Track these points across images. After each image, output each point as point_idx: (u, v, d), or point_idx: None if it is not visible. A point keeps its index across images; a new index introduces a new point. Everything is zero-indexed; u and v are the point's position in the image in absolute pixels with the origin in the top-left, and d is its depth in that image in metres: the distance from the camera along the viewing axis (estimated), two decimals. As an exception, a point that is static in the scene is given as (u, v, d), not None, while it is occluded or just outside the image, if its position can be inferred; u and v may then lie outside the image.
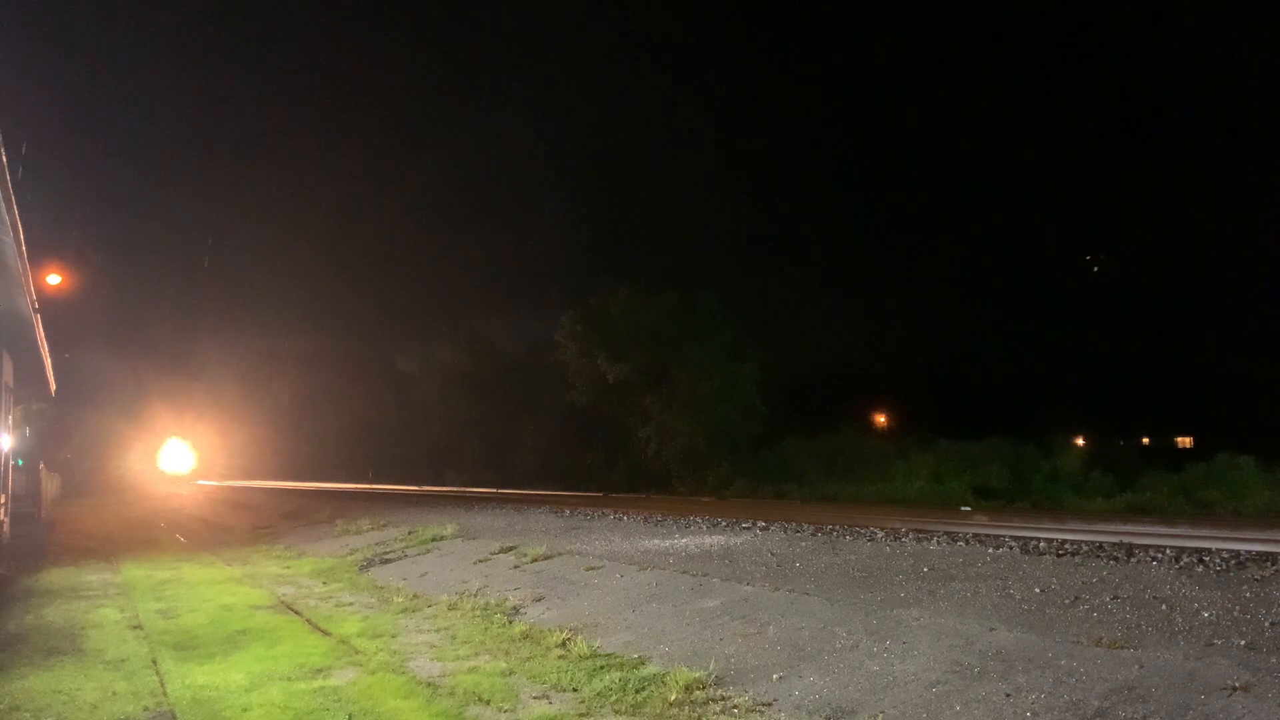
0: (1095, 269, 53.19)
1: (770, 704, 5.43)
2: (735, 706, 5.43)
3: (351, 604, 9.95)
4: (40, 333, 15.77)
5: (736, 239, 68.81)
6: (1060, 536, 10.83)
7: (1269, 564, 7.51)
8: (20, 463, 23.57)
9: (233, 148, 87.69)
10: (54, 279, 21.00)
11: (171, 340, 76.68)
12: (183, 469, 64.71)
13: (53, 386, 22.36)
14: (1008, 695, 4.90)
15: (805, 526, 12.44)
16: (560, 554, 11.09)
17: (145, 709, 5.92)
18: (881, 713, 5.03)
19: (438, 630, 8.25)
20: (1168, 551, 8.59)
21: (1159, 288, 52.06)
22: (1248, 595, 6.22)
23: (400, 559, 13.03)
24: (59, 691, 6.32)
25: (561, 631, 7.54)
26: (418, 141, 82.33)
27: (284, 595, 10.67)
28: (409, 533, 15.23)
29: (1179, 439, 45.63)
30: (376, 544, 14.86)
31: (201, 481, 56.59)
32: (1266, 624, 5.47)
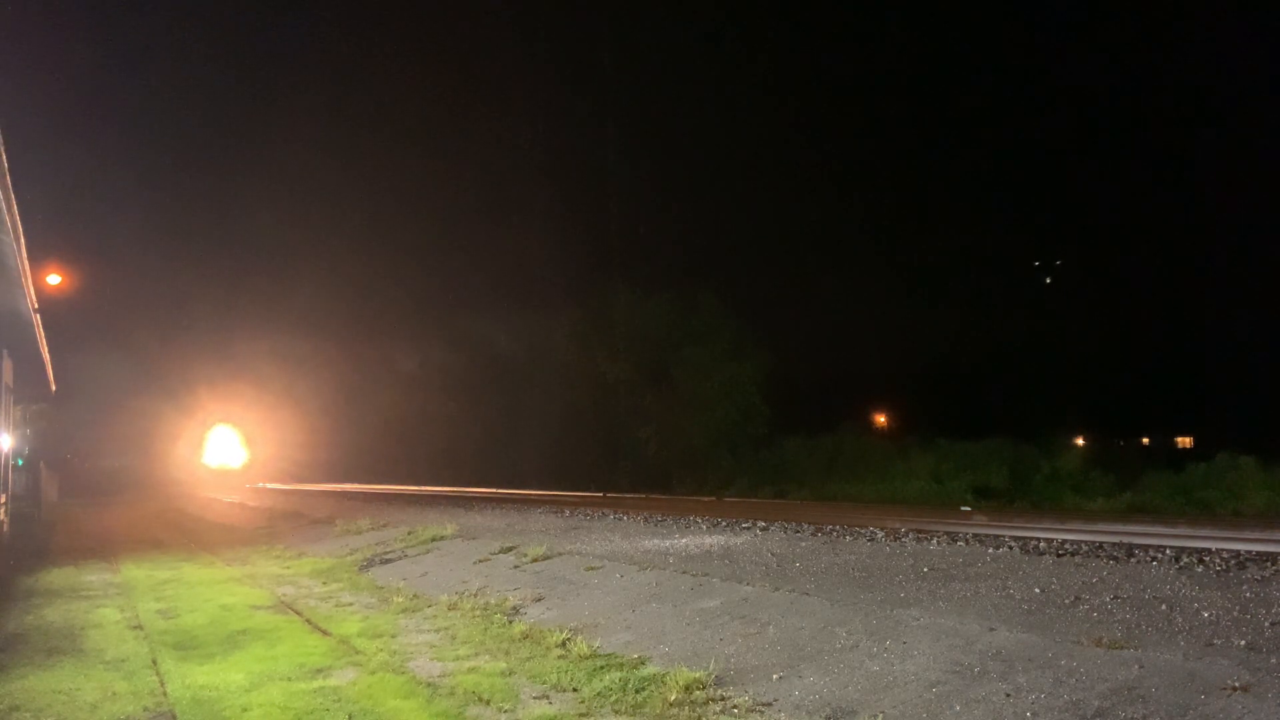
0: (1048, 279, 53.45)
1: (770, 704, 5.43)
2: (735, 706, 5.43)
3: (351, 604, 9.95)
4: (40, 333, 15.78)
5: (736, 239, 68.77)
6: (1060, 536, 10.83)
7: (1269, 564, 7.51)
8: (20, 463, 23.59)
9: (256, 134, 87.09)
10: (54, 279, 21.03)
11: (218, 331, 73.35)
12: (233, 462, 56.85)
13: (53, 386, 22.38)
14: (1008, 695, 4.90)
15: (805, 526, 12.44)
16: (560, 554, 11.09)
17: (145, 709, 5.93)
18: (882, 713, 5.03)
19: (438, 630, 8.25)
20: (1168, 551, 8.59)
21: (1159, 287, 52.08)
22: (1248, 595, 6.22)
23: (400, 559, 13.03)
24: (59, 691, 6.32)
25: (561, 631, 7.54)
26: (417, 138, 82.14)
27: (284, 595, 10.68)
28: (409, 533, 15.23)
29: (1179, 439, 45.62)
30: (376, 544, 14.86)
31: (264, 485, 47.59)
32: (1266, 624, 5.47)
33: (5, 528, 17.67)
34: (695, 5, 76.77)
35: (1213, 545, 9.31)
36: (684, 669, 6.05)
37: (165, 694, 6.28)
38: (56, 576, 12.77)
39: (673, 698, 5.61)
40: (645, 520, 14.94)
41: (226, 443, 57.81)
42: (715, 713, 5.38)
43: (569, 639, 7.31)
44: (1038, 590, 6.89)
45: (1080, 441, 34.71)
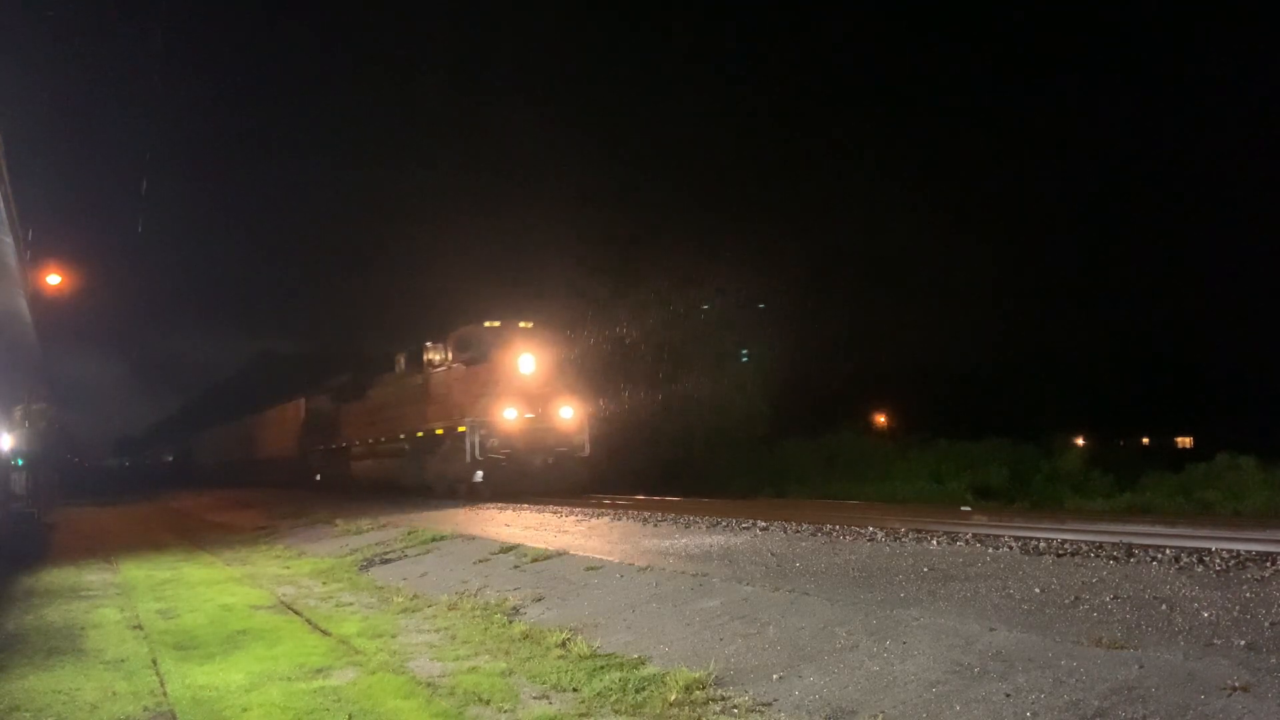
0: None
1: (770, 704, 5.43)
2: (735, 706, 5.43)
3: (351, 604, 9.95)
4: (40, 333, 15.78)
5: (737, 238, 68.79)
6: (1060, 536, 10.80)
7: (1269, 564, 7.50)
8: (20, 463, 23.61)
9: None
10: (54, 279, 21.01)
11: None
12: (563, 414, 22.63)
13: (52, 386, 22.39)
14: (1008, 695, 4.90)
15: (805, 526, 12.41)
16: (560, 554, 11.09)
17: (145, 709, 5.93)
18: (881, 713, 5.03)
19: (438, 630, 8.25)
20: (1168, 551, 8.57)
21: (1159, 286, 52.10)
22: (1248, 595, 6.21)
23: (400, 559, 13.03)
24: (59, 691, 6.33)
25: (561, 631, 7.54)
26: (411, 133, 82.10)
27: (284, 595, 10.68)
28: (409, 533, 15.23)
29: (1179, 439, 45.62)
30: (376, 544, 14.86)
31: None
32: (1266, 624, 5.46)
33: (5, 528, 17.67)
34: (702, 11, 76.86)
35: (1213, 545, 9.28)
36: (684, 669, 6.05)
37: (165, 694, 6.28)
38: (56, 576, 12.77)
39: (673, 698, 5.61)
40: (645, 520, 14.93)
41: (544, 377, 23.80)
42: (715, 713, 5.38)
43: (569, 639, 7.30)
44: (1038, 590, 6.89)
45: (1080, 441, 34.67)
